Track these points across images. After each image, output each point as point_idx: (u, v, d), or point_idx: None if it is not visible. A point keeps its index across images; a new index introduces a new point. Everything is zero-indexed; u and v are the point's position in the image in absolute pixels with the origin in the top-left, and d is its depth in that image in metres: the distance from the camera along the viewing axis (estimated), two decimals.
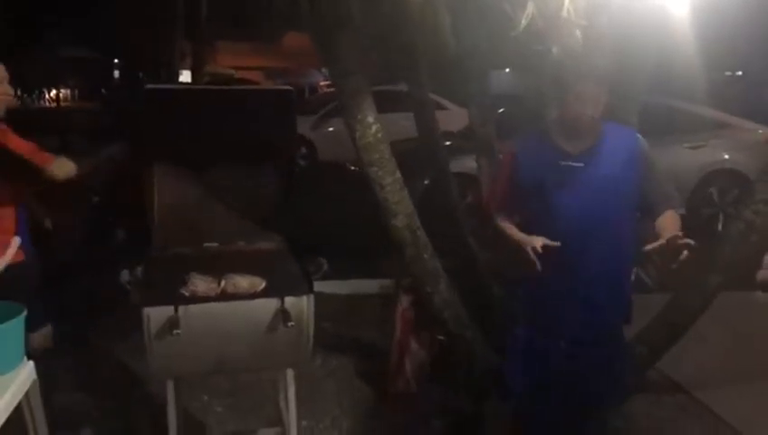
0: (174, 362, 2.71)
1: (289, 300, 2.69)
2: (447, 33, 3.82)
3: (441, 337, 4.07)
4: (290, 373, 2.97)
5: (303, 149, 12.87)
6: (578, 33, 3.08)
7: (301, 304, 2.71)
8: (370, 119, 3.61)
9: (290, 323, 2.61)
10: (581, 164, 2.61)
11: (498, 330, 4.10)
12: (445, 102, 11.33)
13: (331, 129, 12.60)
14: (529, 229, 2.67)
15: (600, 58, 2.69)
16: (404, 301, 3.99)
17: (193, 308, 2.61)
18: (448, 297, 3.84)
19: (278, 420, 3.46)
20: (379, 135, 3.65)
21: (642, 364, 3.90)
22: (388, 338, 4.15)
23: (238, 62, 26.03)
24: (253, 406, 3.91)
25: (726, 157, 8.07)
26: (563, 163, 2.61)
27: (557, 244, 2.55)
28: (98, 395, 3.94)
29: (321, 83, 21.47)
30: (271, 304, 2.68)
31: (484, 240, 4.44)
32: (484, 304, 4.29)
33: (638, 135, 2.71)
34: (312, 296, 2.74)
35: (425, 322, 4.02)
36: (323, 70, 26.48)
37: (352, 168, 9.04)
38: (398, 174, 3.73)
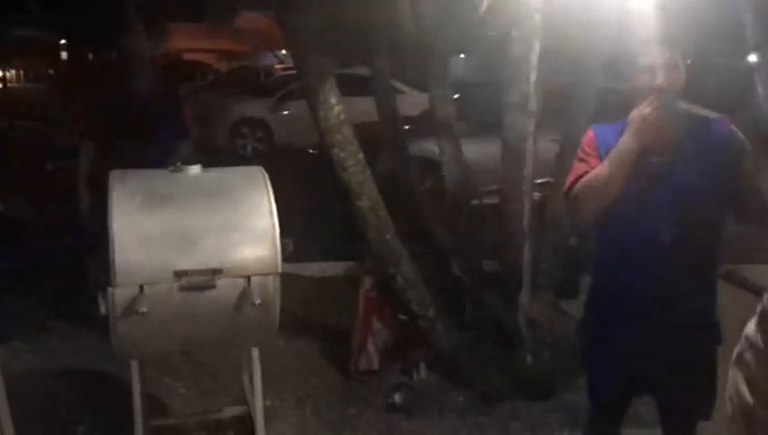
0: (139, 342, 2.71)
1: (255, 279, 2.70)
2: (407, 14, 3.84)
3: (403, 317, 4.13)
4: (255, 352, 2.98)
5: (260, 133, 12.78)
6: (537, 16, 3.14)
7: (267, 283, 2.73)
8: (333, 100, 3.63)
9: (257, 302, 2.62)
10: (665, 160, 2.24)
11: (458, 308, 4.21)
12: (401, 86, 11.34)
13: (288, 112, 12.53)
14: (602, 226, 2.34)
15: (668, 21, 2.39)
16: (367, 282, 4.04)
17: (158, 287, 2.60)
18: (411, 277, 3.90)
19: (242, 401, 3.48)
20: (342, 117, 3.68)
21: None
22: (351, 319, 4.20)
23: (191, 44, 25.60)
24: (216, 387, 3.91)
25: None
26: (643, 158, 2.21)
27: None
28: (60, 380, 3.89)
29: (277, 66, 21.25)
30: (237, 283, 2.69)
31: (446, 222, 4.50)
32: (445, 283, 4.37)
33: (735, 129, 2.33)
34: (278, 276, 2.75)
35: (387, 302, 4.08)
36: (278, 52, 26.24)
37: (311, 150, 9.03)
38: (361, 156, 3.76)
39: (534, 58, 3.22)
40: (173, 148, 4.10)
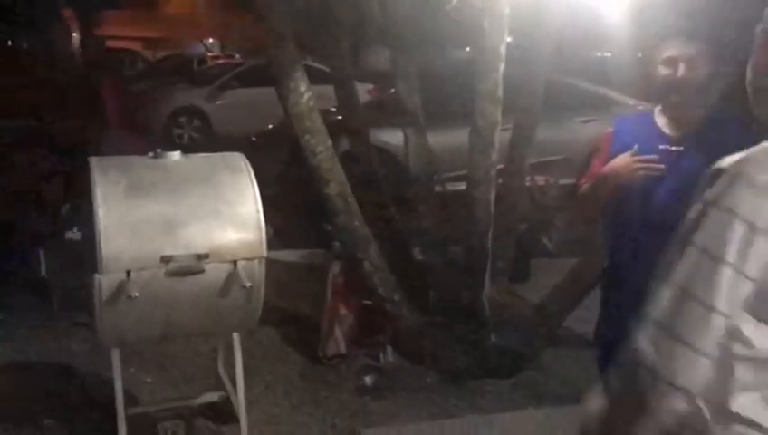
0: (124, 328, 2.69)
1: (241, 263, 2.72)
2: (375, 6, 3.89)
3: (367, 302, 4.20)
4: (236, 337, 3.01)
5: (197, 122, 12.56)
6: (506, 8, 3.25)
7: (253, 268, 2.75)
8: (303, 87, 3.66)
9: (248, 285, 2.65)
10: (680, 148, 2.32)
11: (421, 292, 4.30)
12: None
13: (227, 100, 12.42)
14: (612, 213, 2.46)
15: (684, 15, 2.43)
16: (335, 268, 4.09)
17: (145, 273, 2.59)
18: (378, 262, 3.97)
19: (210, 388, 3.47)
20: (311, 103, 3.71)
21: (554, 321, 4.21)
22: (315, 305, 4.24)
23: (116, 31, 24.82)
24: (182, 376, 3.90)
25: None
26: (662, 147, 2.33)
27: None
28: (22, 373, 3.80)
29: (209, 55, 20.85)
30: (223, 267, 2.71)
31: (408, 209, 4.59)
32: (405, 268, 4.45)
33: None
34: (263, 260, 2.78)
35: (353, 287, 4.15)
36: (206, 41, 25.72)
37: (254, 138, 8.98)
38: (330, 143, 3.81)
39: (504, 49, 3.33)
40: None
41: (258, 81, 11.91)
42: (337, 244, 4.41)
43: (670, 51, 2.31)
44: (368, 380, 3.82)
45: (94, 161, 2.71)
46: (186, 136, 12.47)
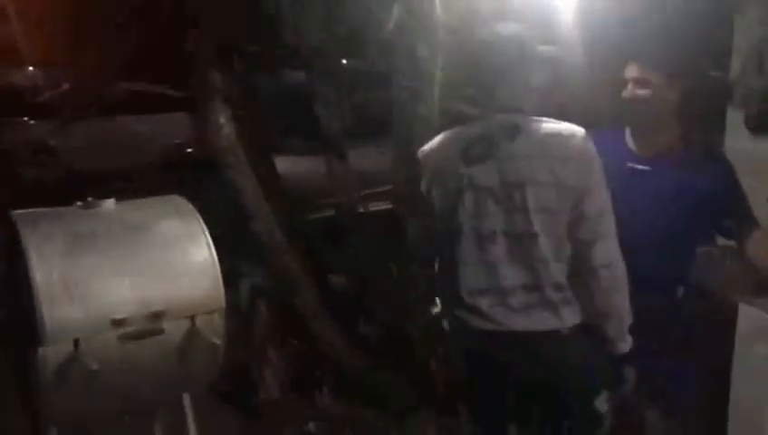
0: (73, 406, 2.33)
1: (200, 318, 2.46)
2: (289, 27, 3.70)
3: (297, 342, 3.98)
4: (186, 400, 2.71)
5: (43, 157, 11.50)
6: (441, 32, 3.20)
7: (213, 321, 2.49)
8: (222, 120, 3.43)
9: (215, 341, 2.39)
10: (648, 168, 2.32)
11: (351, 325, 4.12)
12: None
13: (75, 135, 11.46)
14: None
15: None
16: (263, 310, 3.85)
17: (95, 340, 2.26)
18: (312, 301, 3.78)
19: None
20: (232, 137, 3.48)
21: None
22: (240, 350, 3.95)
23: None
24: None
25: None
26: (629, 165, 2.33)
27: None
28: None
29: (41, 84, 19.26)
30: (181, 325, 2.43)
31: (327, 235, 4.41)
32: (336, 301, 4.25)
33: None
34: (223, 311, 2.53)
35: (282, 328, 3.92)
36: (32, 69, 23.77)
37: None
38: (254, 178, 3.58)
39: (438, 74, 3.26)
40: None
41: (113, 110, 11.14)
42: (256, 281, 4.16)
43: (634, 72, 2.35)
44: (312, 426, 3.60)
45: (19, 216, 2.34)
46: (31, 176, 11.38)
